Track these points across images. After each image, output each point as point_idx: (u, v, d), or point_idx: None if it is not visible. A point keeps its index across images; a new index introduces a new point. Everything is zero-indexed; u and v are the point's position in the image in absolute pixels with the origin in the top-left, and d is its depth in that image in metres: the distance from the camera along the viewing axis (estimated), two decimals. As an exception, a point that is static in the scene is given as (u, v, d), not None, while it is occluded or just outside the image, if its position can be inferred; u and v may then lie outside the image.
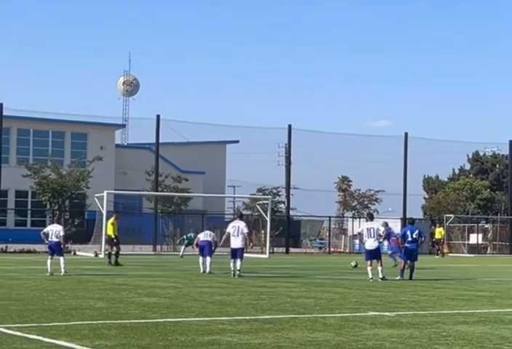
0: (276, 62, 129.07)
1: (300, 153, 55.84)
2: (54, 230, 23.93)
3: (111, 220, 31.31)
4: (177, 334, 11.01)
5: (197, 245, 25.87)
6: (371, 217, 24.94)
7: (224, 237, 24.96)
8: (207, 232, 25.87)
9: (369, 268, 23.29)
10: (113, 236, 30.65)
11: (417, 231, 24.26)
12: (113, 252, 30.39)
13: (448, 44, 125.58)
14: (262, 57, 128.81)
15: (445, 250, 51.37)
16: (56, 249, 23.89)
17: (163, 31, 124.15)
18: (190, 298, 16.44)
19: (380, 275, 22.98)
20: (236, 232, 23.75)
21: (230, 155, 75.21)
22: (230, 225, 24.47)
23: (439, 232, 51.19)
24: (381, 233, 23.88)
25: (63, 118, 63.26)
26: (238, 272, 23.29)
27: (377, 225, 24.19)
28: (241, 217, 25.39)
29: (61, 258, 23.72)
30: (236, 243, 23.74)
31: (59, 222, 25.46)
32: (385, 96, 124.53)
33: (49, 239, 23.82)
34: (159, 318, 12.71)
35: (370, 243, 23.22)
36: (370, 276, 22.93)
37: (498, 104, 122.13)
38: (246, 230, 24.02)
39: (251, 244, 24.81)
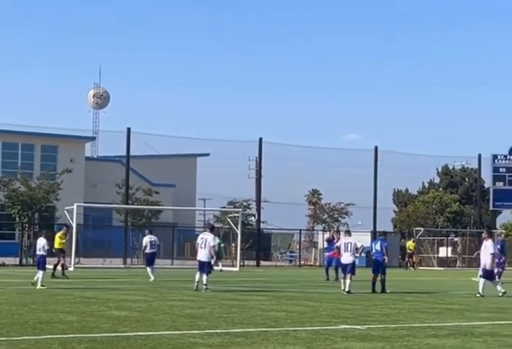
0: (247, 75, 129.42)
1: (270, 166, 55.89)
2: (38, 244, 24.04)
3: (59, 234, 31.21)
4: (147, 347, 10.95)
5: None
6: (349, 233, 25.55)
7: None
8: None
9: (342, 280, 23.76)
10: (60, 249, 30.54)
11: (379, 243, 24.62)
12: (59, 264, 30.06)
13: (418, 58, 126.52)
14: (233, 69, 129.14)
15: (415, 262, 51.65)
16: (37, 262, 23.90)
17: (133, 43, 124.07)
18: (161, 311, 16.37)
19: (346, 289, 23.18)
20: (204, 244, 23.35)
21: (200, 168, 75.20)
22: (200, 236, 24.11)
23: (411, 245, 51.43)
24: (358, 247, 24.15)
25: (33, 130, 62.87)
26: (204, 286, 22.87)
27: (354, 240, 24.49)
28: (211, 229, 24.76)
29: (40, 272, 23.61)
30: (202, 255, 23.36)
31: (45, 236, 25.34)
32: (355, 110, 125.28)
33: (36, 253, 23.99)
34: (130, 332, 12.63)
35: (346, 258, 23.77)
36: (343, 288, 23.30)
37: (467, 118, 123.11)
38: (212, 243, 23.70)
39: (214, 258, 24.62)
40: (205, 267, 23.31)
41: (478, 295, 22.69)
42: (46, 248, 23.99)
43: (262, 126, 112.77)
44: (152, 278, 28.78)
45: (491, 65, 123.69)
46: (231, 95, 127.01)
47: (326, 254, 34.26)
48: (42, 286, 23.23)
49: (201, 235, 24.05)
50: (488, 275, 23.17)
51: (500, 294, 23.00)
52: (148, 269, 29.65)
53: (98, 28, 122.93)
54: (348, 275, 23.41)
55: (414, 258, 51.62)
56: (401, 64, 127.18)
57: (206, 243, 23.31)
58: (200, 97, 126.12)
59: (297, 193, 67.75)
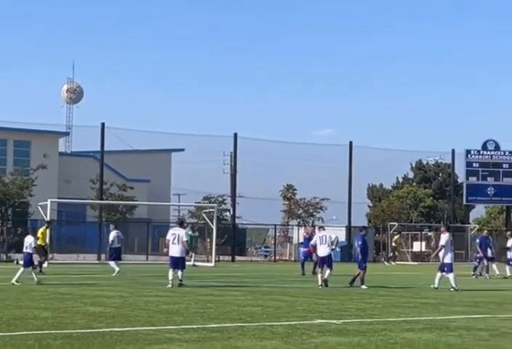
0: (221, 70, 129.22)
1: (245, 161, 55.83)
2: (26, 241, 23.94)
3: (42, 230, 31.19)
4: (123, 343, 10.90)
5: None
6: (323, 228, 26.00)
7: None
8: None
9: (319, 275, 23.90)
10: (43, 245, 30.56)
11: (355, 239, 25.53)
12: (42, 261, 30.33)
13: (391, 53, 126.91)
14: (207, 65, 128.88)
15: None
16: (24, 260, 23.84)
17: (107, 39, 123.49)
18: (137, 307, 16.30)
19: (325, 276, 23.64)
20: (176, 240, 23.10)
21: (175, 164, 75.07)
22: (170, 232, 23.74)
23: (398, 239, 52.27)
24: (333, 239, 24.38)
25: (6, 125, 62.43)
26: (179, 282, 22.77)
27: (328, 233, 24.83)
28: (181, 224, 24.61)
29: (22, 269, 23.62)
30: (176, 251, 23.14)
31: (32, 234, 25.22)
32: (330, 105, 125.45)
33: (23, 250, 23.90)
34: (105, 328, 12.57)
35: (322, 250, 24.11)
36: (320, 283, 23.51)
37: (441, 113, 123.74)
38: (185, 238, 23.57)
39: (190, 253, 24.71)
40: (179, 263, 23.17)
41: (452, 289, 22.81)
42: (33, 245, 23.94)
43: (237, 122, 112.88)
44: (117, 269, 29.16)
45: (464, 61, 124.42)
46: (206, 91, 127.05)
47: (303, 249, 34.38)
48: (17, 282, 23.06)
49: (172, 231, 23.73)
50: (448, 268, 23.35)
51: (452, 289, 22.92)
52: (112, 262, 30.19)
53: (72, 23, 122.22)
54: (326, 268, 23.80)
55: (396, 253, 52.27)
56: (376, 59, 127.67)
57: (178, 239, 23.10)
58: (174, 92, 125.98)
59: (272, 189, 67.84)
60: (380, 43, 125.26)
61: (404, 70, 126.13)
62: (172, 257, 23.29)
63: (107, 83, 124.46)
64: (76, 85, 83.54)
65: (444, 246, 23.71)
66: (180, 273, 23.05)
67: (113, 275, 28.54)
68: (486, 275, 32.01)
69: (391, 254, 52.14)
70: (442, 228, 25.33)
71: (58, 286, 22.71)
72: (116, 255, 30.66)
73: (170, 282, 22.75)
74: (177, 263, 23.15)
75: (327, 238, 24.17)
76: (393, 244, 52.04)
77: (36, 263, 25.42)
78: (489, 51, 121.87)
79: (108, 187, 52.66)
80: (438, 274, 23.67)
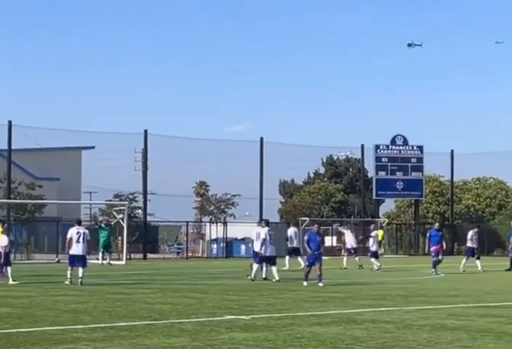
0: (131, 67, 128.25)
1: (156, 158, 55.50)
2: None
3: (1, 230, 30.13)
4: (29, 344, 10.76)
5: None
6: (267, 223, 26.46)
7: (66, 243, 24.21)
8: None
9: (254, 268, 25.02)
10: None
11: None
12: None
13: (301, 51, 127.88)
14: (116, 61, 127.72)
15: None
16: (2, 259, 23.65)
17: (14, 31, 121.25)
18: (44, 307, 16.10)
19: (277, 278, 24.64)
20: (81, 238, 23.27)
21: (85, 161, 74.06)
22: (73, 230, 23.58)
23: (380, 234, 52.78)
24: (263, 236, 25.12)
25: None
26: (80, 279, 22.78)
27: (262, 229, 25.54)
28: (79, 223, 24.55)
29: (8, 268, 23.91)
30: (80, 249, 23.28)
31: (6, 233, 24.66)
32: (242, 101, 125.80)
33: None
34: (11, 329, 12.39)
35: (259, 247, 25.06)
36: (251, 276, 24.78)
37: (350, 109, 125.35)
38: (89, 237, 23.83)
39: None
40: (83, 261, 23.35)
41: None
42: (3, 244, 23.62)
43: (148, 118, 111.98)
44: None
45: (373, 59, 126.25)
46: (117, 86, 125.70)
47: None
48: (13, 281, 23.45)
49: (75, 230, 23.62)
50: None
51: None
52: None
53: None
54: (268, 265, 25.07)
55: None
56: (287, 57, 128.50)
57: (83, 237, 23.33)
58: (84, 88, 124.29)
59: (185, 185, 67.65)
60: (291, 30, 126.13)
61: (313, 68, 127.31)
62: (75, 256, 23.32)
63: (14, 80, 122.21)
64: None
65: (264, 239, 24.89)
66: (81, 270, 23.14)
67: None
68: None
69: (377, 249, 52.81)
70: (262, 223, 26.32)
71: (-36, 288, 22.22)
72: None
73: (68, 280, 23.02)
74: (80, 261, 23.28)
75: (258, 234, 25.23)
76: (379, 239, 52.54)
77: None
78: (404, 47, 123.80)
79: (16, 185, 51.68)
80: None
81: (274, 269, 24.79)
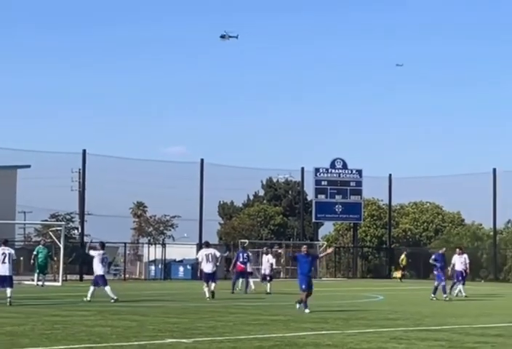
0: (67, 87, 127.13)
1: (94, 178, 54.86)
2: None
3: None
4: (-36, 368, 10.42)
5: None
6: (207, 245, 28.62)
7: None
8: None
9: (205, 289, 26.61)
10: None
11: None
12: None
13: (240, 77, 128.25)
14: (54, 79, 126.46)
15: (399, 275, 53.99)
16: None
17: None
18: (-21, 330, 15.66)
19: (210, 293, 26.38)
20: (7, 258, 23.06)
21: (21, 181, 72.91)
22: None
23: (404, 259, 54.42)
24: (217, 256, 27.22)
25: None
26: (9, 299, 22.62)
27: (213, 250, 27.69)
28: (5, 243, 24.05)
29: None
30: (5, 270, 23.07)
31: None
32: (181, 121, 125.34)
33: None
34: None
35: (209, 268, 26.87)
36: (207, 296, 26.27)
37: (290, 132, 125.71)
38: (15, 257, 23.83)
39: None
40: (10, 281, 23.14)
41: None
42: None
43: (86, 138, 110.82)
44: None
45: (309, 77, 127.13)
46: (53, 106, 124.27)
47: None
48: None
49: (0, 250, 23.32)
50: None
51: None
52: None
53: None
54: (212, 282, 26.69)
55: (400, 271, 54.15)
56: (219, 76, 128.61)
57: (9, 258, 23.14)
58: (23, 106, 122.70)
59: (122, 206, 67.00)
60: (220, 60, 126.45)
61: (252, 87, 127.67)
62: (1, 276, 23.03)
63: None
64: None
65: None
66: (9, 290, 22.93)
67: None
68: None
69: (402, 273, 53.91)
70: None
71: None
72: None
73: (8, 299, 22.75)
74: (7, 281, 23.07)
75: (213, 255, 26.94)
76: (401, 264, 54.37)
77: None
78: (337, 68, 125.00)
79: None
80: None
81: (214, 285, 26.84)
